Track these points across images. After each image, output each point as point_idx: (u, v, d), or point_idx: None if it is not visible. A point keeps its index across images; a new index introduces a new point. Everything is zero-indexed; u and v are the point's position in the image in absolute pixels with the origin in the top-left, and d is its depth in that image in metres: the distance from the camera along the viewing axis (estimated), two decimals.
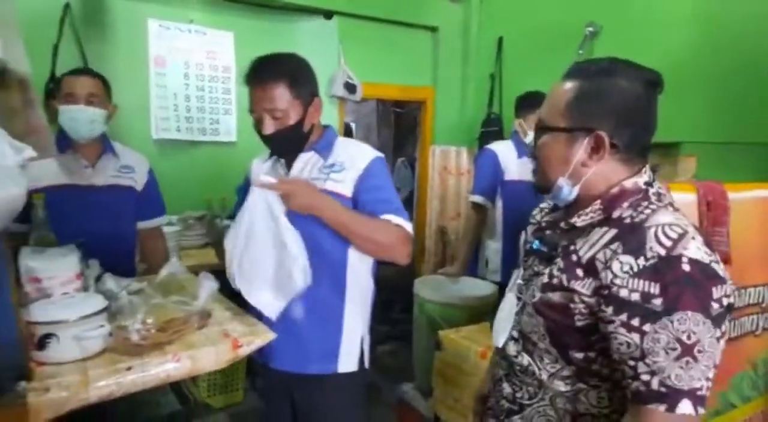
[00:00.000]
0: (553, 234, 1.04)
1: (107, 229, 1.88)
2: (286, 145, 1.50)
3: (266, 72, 1.44)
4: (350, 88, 3.50)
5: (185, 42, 3.08)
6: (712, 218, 1.58)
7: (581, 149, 0.93)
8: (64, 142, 1.81)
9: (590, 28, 2.95)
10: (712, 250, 0.85)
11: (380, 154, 1.56)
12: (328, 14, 3.46)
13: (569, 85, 0.95)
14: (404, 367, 3.39)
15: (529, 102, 2.55)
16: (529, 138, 2.51)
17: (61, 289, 1.28)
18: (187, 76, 3.10)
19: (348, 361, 1.54)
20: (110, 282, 1.41)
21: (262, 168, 1.62)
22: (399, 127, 5.51)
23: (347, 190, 1.46)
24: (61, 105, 1.78)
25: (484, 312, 2.32)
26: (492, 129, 3.60)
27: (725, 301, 0.82)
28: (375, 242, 1.43)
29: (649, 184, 0.94)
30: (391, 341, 4.01)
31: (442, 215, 4.05)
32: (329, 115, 3.48)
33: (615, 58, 0.95)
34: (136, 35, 2.94)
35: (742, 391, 1.77)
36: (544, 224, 1.11)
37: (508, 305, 1.09)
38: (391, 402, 2.90)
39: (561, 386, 0.96)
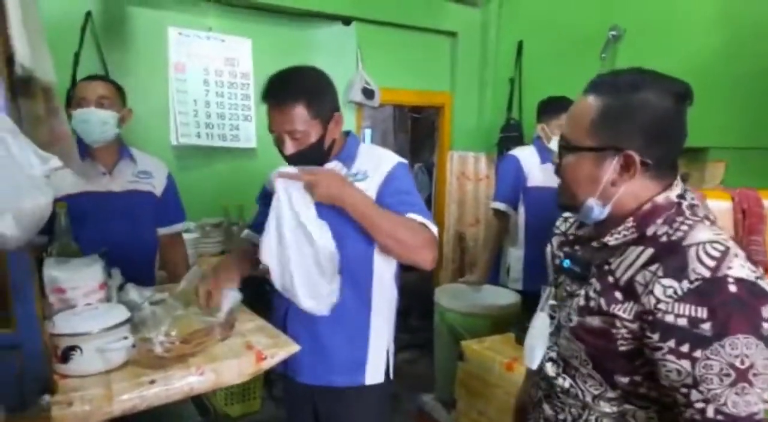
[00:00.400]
0: (584, 252, 0.99)
1: (127, 236, 1.87)
2: (308, 162, 1.47)
3: (283, 93, 1.41)
4: (368, 93, 3.48)
5: (204, 49, 3.09)
6: (748, 226, 1.54)
7: (610, 168, 0.88)
8: (81, 149, 1.81)
9: (613, 32, 2.90)
10: (755, 264, 0.81)
11: (403, 160, 1.53)
12: (347, 20, 3.45)
13: (594, 101, 0.89)
14: (423, 376, 3.35)
15: (552, 107, 2.51)
16: (553, 143, 2.51)
17: (85, 300, 1.27)
18: (207, 82, 3.11)
19: (375, 373, 1.51)
20: (133, 292, 1.40)
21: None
22: (416, 133, 5.49)
23: (372, 196, 1.43)
24: (74, 110, 1.79)
25: (507, 321, 2.28)
26: (511, 134, 3.55)
27: None
28: (399, 241, 1.37)
29: (681, 196, 0.90)
30: (410, 349, 3.97)
31: (460, 221, 4.01)
32: (347, 120, 3.47)
33: (640, 69, 0.90)
34: (156, 43, 2.96)
35: None
36: (571, 237, 1.06)
37: (541, 324, 1.05)
38: (411, 411, 2.86)
39: (606, 407, 0.93)
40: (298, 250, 1.33)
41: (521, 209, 2.57)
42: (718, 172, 2.41)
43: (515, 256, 2.60)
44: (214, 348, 1.25)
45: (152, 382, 1.10)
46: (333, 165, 1.49)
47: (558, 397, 1.00)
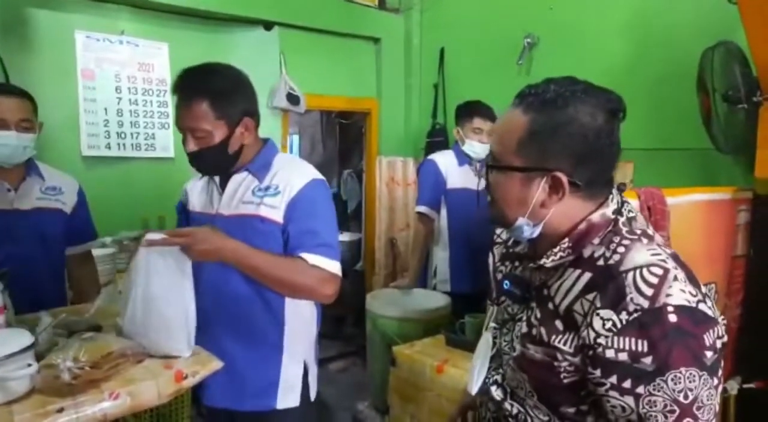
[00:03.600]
0: (524, 271, 0.96)
1: (35, 255, 1.76)
2: (210, 165, 1.42)
3: (189, 88, 1.35)
4: (293, 99, 3.43)
5: (116, 54, 2.93)
6: (653, 223, 1.63)
7: (539, 190, 0.84)
8: None
9: (528, 39, 3.03)
10: (695, 286, 0.78)
11: (319, 176, 1.44)
12: (268, 25, 3.39)
13: (521, 117, 0.84)
14: (358, 384, 3.33)
15: (466, 111, 2.61)
16: (467, 146, 2.59)
17: None
18: (119, 89, 2.95)
19: (288, 397, 1.44)
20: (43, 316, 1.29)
21: (196, 188, 1.54)
22: (345, 138, 5.47)
23: (279, 215, 1.37)
24: None
25: (438, 324, 2.31)
26: (437, 139, 3.62)
27: (719, 344, 0.76)
28: (291, 285, 1.34)
29: (618, 211, 0.86)
30: (345, 357, 3.94)
31: (391, 227, 4.03)
32: (273, 126, 3.40)
33: (573, 79, 0.86)
34: (62, 48, 2.78)
35: None
36: (512, 251, 1.02)
37: (484, 347, 1.03)
38: (345, 420, 2.84)
39: None
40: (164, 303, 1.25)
41: (443, 211, 2.64)
42: (628, 172, 2.56)
43: (441, 258, 2.66)
44: (129, 370, 1.18)
45: (60, 410, 1.02)
46: (243, 176, 1.43)
47: (507, 419, 0.97)
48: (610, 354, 0.76)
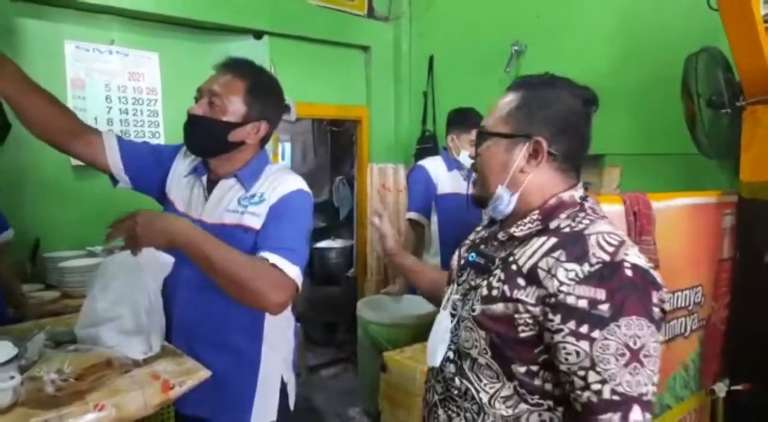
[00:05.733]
0: (489, 247, 1.04)
1: None
2: (202, 137, 1.36)
3: (238, 65, 1.37)
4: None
5: (106, 64, 2.93)
6: (639, 228, 1.65)
7: (520, 155, 0.96)
8: None
9: (516, 47, 3.05)
10: (649, 260, 0.88)
11: (305, 188, 1.41)
12: (258, 34, 3.40)
13: (512, 95, 1.00)
14: (349, 390, 3.32)
15: (462, 120, 2.60)
16: (462, 155, 2.59)
17: None
18: (109, 99, 2.95)
19: (264, 411, 1.41)
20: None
21: (180, 171, 1.50)
22: (336, 146, 5.48)
23: (260, 223, 1.32)
24: None
25: (428, 330, 2.30)
26: (427, 146, 3.64)
27: (663, 306, 0.85)
28: (240, 283, 1.16)
29: (584, 198, 0.98)
30: (336, 364, 3.93)
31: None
32: None
33: (553, 74, 1.00)
34: (52, 58, 2.77)
35: (675, 392, 1.84)
36: (478, 240, 1.11)
37: (443, 322, 1.06)
38: None
39: (502, 409, 0.93)
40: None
41: (434, 217, 2.65)
42: (614, 176, 2.58)
43: (432, 264, 2.66)
44: (115, 381, 1.18)
45: None
46: (230, 183, 1.40)
47: (454, 401, 1.00)
48: (570, 300, 0.83)
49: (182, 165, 1.51)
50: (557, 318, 0.84)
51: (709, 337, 1.94)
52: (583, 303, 0.82)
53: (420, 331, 2.37)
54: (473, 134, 2.55)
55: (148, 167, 1.51)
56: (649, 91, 2.47)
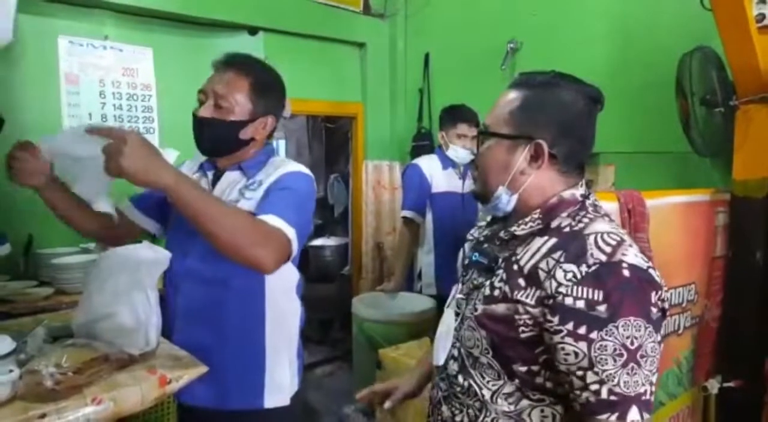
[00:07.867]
0: (492, 246, 1.04)
1: None
2: (214, 138, 1.35)
3: (238, 63, 1.36)
4: None
5: (100, 59, 2.91)
6: (633, 225, 1.66)
7: (521, 157, 0.95)
8: None
9: (511, 45, 3.06)
10: (647, 258, 0.88)
11: (308, 172, 1.40)
12: (253, 30, 3.39)
13: (515, 94, 0.98)
14: (344, 388, 3.33)
15: (451, 115, 2.63)
16: (451, 151, 2.60)
17: None
18: (103, 94, 2.94)
19: (276, 395, 1.42)
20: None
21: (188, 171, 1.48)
22: (331, 143, 5.47)
23: (254, 205, 1.30)
24: None
25: (423, 327, 2.32)
26: (423, 143, 3.65)
27: (662, 305, 0.85)
28: (231, 232, 1.07)
29: (585, 196, 0.97)
30: (332, 361, 3.94)
31: (378, 231, 4.04)
32: None
33: (559, 72, 0.98)
34: (45, 53, 2.75)
35: (668, 388, 1.86)
36: (482, 239, 1.11)
37: (448, 321, 1.07)
38: None
39: (504, 406, 0.94)
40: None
41: (429, 215, 2.66)
42: (609, 174, 2.60)
43: (426, 262, 2.67)
44: (112, 375, 1.18)
45: (42, 416, 1.01)
46: (234, 175, 1.42)
47: (457, 398, 1.01)
48: (568, 301, 0.83)
49: (188, 169, 1.51)
50: (556, 319, 0.84)
51: (702, 335, 1.96)
52: (581, 304, 0.82)
53: (415, 328, 2.38)
54: (459, 128, 2.60)
55: (161, 201, 1.49)
56: (644, 90, 2.49)
